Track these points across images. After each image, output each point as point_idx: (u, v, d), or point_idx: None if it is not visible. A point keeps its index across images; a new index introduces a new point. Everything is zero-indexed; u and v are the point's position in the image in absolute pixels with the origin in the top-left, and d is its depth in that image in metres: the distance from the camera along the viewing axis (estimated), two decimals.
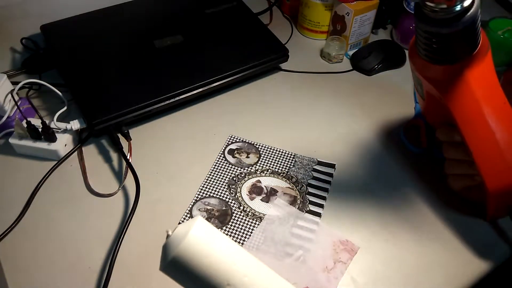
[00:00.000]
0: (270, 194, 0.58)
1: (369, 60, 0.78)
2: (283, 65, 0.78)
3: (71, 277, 0.50)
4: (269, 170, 0.61)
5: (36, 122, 0.60)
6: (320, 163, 0.63)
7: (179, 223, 0.55)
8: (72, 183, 0.59)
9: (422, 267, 0.52)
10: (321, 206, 0.57)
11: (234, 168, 0.62)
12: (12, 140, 0.61)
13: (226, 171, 0.61)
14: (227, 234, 0.54)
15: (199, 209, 0.56)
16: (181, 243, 0.32)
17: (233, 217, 0.56)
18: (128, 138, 0.63)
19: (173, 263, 0.33)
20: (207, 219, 0.55)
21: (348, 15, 0.77)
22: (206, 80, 0.68)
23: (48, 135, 0.60)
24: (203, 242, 0.33)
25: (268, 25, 0.86)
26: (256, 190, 0.59)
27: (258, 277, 0.35)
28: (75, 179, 0.60)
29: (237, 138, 0.66)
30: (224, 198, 0.58)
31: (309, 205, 0.57)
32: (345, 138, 0.67)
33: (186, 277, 0.33)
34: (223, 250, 0.34)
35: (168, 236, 0.33)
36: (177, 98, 0.67)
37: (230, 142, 0.65)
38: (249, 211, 0.56)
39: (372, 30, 0.85)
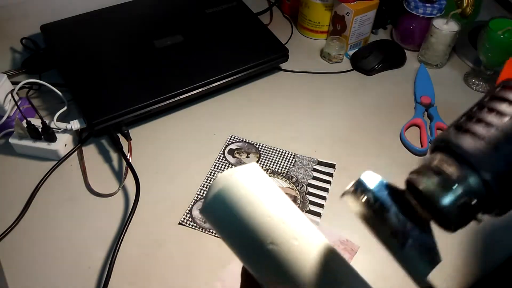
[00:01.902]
0: None
1: (369, 60, 0.78)
2: (283, 65, 0.78)
3: (71, 277, 0.50)
4: (269, 170, 0.61)
5: (36, 122, 0.60)
6: (320, 163, 0.63)
7: (179, 223, 0.55)
8: (72, 183, 0.59)
9: None
10: (321, 206, 0.57)
11: None
12: (12, 140, 0.61)
13: None
14: None
15: (199, 209, 0.56)
16: (227, 180, 0.29)
17: None
18: (128, 138, 0.63)
19: (214, 202, 0.29)
20: None
21: (348, 15, 0.77)
22: (206, 80, 0.68)
23: (48, 135, 0.60)
24: (251, 186, 0.29)
25: (268, 25, 0.86)
26: None
27: (311, 244, 0.29)
28: (75, 179, 0.60)
29: (237, 138, 0.66)
30: None
31: (309, 205, 0.57)
32: (345, 138, 0.67)
33: (225, 223, 0.29)
34: (273, 201, 0.29)
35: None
36: (177, 98, 0.67)
37: (230, 142, 0.65)
38: None
39: (372, 30, 0.85)
